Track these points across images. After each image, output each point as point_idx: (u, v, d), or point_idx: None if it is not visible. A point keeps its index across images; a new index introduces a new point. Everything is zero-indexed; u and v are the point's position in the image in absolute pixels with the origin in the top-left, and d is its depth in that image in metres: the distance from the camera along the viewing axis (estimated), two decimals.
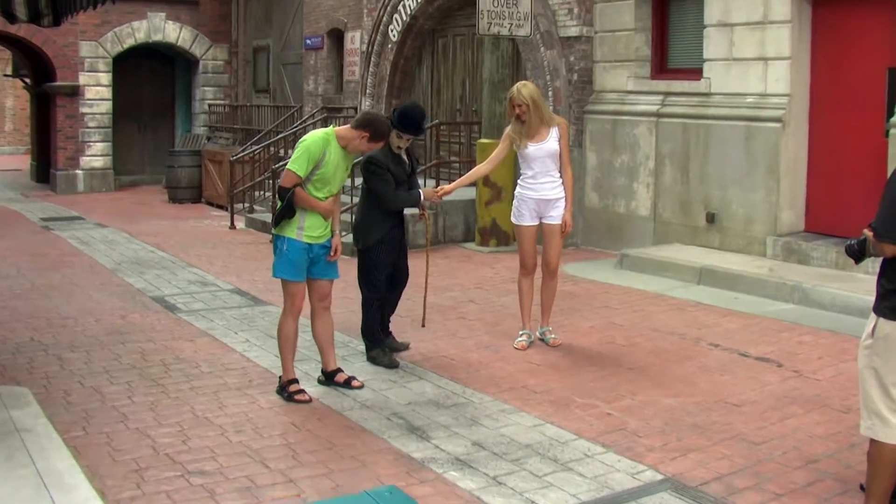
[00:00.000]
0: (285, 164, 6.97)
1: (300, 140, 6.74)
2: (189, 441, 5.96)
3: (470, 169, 12.99)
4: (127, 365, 7.71)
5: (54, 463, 5.41)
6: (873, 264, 5.01)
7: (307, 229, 6.73)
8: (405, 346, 8.10)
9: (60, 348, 8.25)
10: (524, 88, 8.05)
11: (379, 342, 7.83)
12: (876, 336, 4.57)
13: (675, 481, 5.33)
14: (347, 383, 7.01)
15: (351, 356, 7.85)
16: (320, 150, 6.64)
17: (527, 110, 7.96)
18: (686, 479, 5.36)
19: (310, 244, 6.75)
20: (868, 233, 4.61)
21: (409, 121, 7.62)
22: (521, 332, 8.29)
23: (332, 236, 6.89)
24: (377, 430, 6.13)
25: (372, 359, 7.72)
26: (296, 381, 6.87)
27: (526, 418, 6.35)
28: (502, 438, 5.96)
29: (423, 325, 8.37)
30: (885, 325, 4.53)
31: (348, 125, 6.86)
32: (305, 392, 6.80)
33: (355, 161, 7.71)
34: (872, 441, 4.66)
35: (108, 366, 7.69)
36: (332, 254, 6.88)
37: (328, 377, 7.10)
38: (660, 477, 5.39)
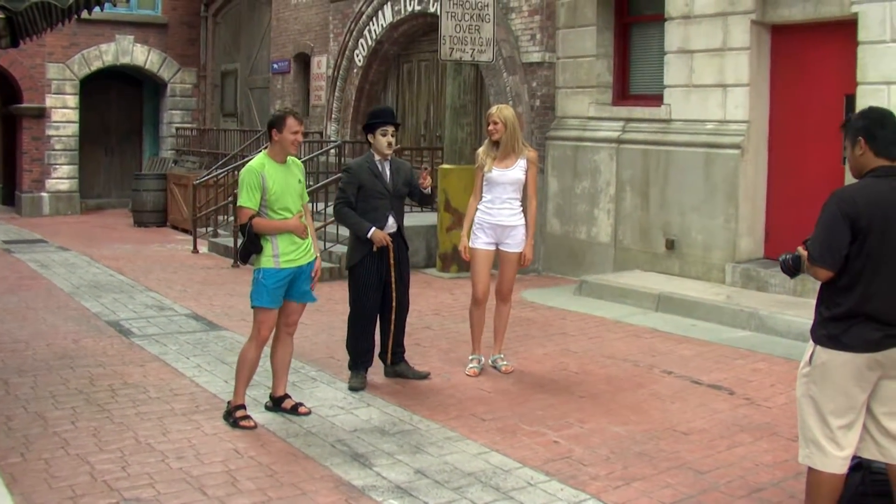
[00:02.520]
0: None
1: (241, 178, 6.67)
2: (128, 468, 5.86)
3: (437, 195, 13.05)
4: (74, 390, 7.60)
5: None
6: None
7: (282, 255, 6.68)
8: (422, 375, 7.96)
9: (8, 373, 8.13)
10: (505, 109, 8.15)
11: (356, 363, 7.78)
12: (813, 364, 4.55)
13: None
14: (294, 409, 6.94)
15: (301, 382, 7.78)
16: (257, 176, 6.59)
17: (501, 130, 7.95)
18: None
19: (290, 268, 6.71)
20: (803, 251, 4.59)
21: (371, 113, 7.91)
22: (471, 358, 8.23)
23: (315, 259, 6.95)
24: (320, 456, 6.06)
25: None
26: (243, 407, 6.79)
27: (471, 446, 6.28)
28: (446, 466, 5.90)
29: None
30: (823, 353, 4.51)
31: (268, 147, 6.86)
32: (251, 418, 6.72)
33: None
34: (810, 470, 4.63)
35: (55, 391, 7.57)
36: (312, 276, 6.92)
37: (276, 403, 7.02)
38: None
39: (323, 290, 12.18)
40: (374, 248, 7.63)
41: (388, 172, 7.73)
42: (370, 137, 7.73)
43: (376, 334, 7.94)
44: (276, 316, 6.83)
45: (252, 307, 6.79)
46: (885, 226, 4.41)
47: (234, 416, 6.72)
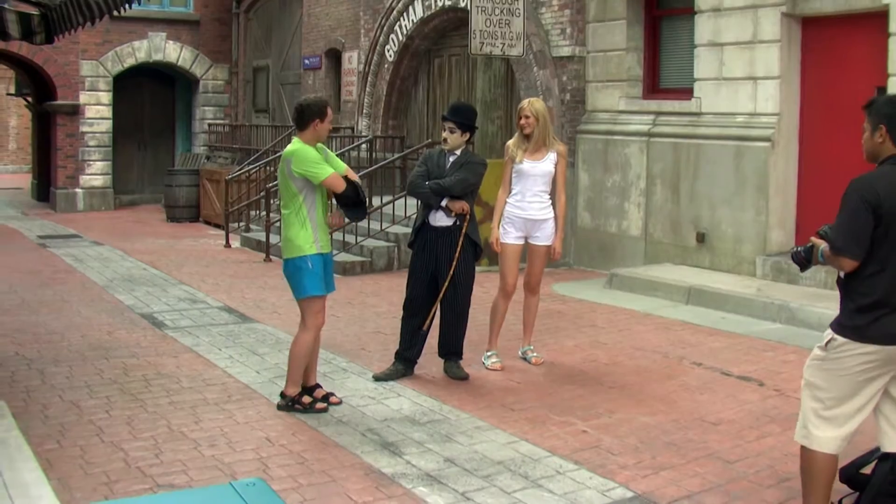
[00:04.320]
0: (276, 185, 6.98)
1: (298, 159, 6.69)
2: (162, 455, 5.95)
3: None
4: (108, 379, 7.70)
5: (22, 474, 5.40)
6: None
7: (320, 240, 6.84)
8: (460, 376, 7.76)
9: (44, 363, 8.24)
10: (536, 102, 8.15)
11: (397, 352, 7.86)
12: (829, 349, 4.54)
13: (645, 499, 5.30)
14: (326, 399, 7.00)
15: (333, 373, 7.84)
16: (312, 150, 6.77)
17: (533, 123, 7.98)
18: (656, 496, 5.33)
19: (326, 252, 6.88)
20: (816, 240, 4.60)
21: (450, 108, 7.94)
22: (489, 353, 8.17)
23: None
24: (350, 445, 6.12)
25: None
26: (308, 391, 6.94)
27: (501, 435, 6.32)
28: (475, 455, 5.94)
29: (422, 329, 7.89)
30: (842, 343, 4.49)
31: (299, 134, 6.89)
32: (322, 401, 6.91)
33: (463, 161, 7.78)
34: (803, 449, 4.65)
35: (90, 380, 7.68)
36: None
37: (307, 392, 7.08)
38: (630, 494, 5.36)
39: (354, 283, 12.28)
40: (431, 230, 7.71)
41: (447, 165, 7.77)
42: None
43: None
44: (325, 301, 6.97)
45: (303, 298, 6.85)
46: None
47: (301, 402, 6.82)
